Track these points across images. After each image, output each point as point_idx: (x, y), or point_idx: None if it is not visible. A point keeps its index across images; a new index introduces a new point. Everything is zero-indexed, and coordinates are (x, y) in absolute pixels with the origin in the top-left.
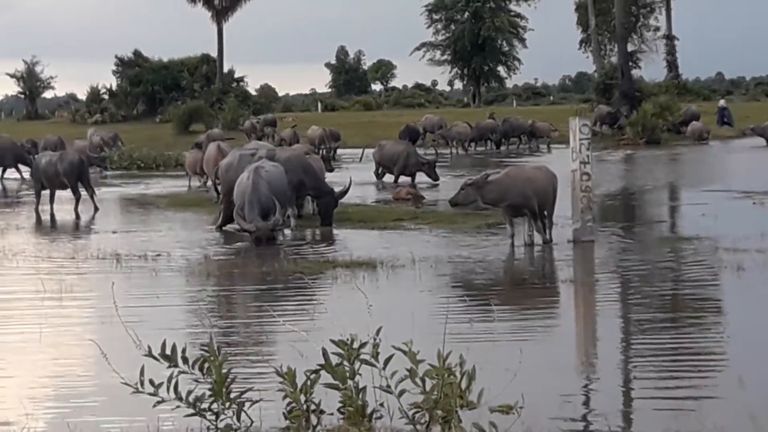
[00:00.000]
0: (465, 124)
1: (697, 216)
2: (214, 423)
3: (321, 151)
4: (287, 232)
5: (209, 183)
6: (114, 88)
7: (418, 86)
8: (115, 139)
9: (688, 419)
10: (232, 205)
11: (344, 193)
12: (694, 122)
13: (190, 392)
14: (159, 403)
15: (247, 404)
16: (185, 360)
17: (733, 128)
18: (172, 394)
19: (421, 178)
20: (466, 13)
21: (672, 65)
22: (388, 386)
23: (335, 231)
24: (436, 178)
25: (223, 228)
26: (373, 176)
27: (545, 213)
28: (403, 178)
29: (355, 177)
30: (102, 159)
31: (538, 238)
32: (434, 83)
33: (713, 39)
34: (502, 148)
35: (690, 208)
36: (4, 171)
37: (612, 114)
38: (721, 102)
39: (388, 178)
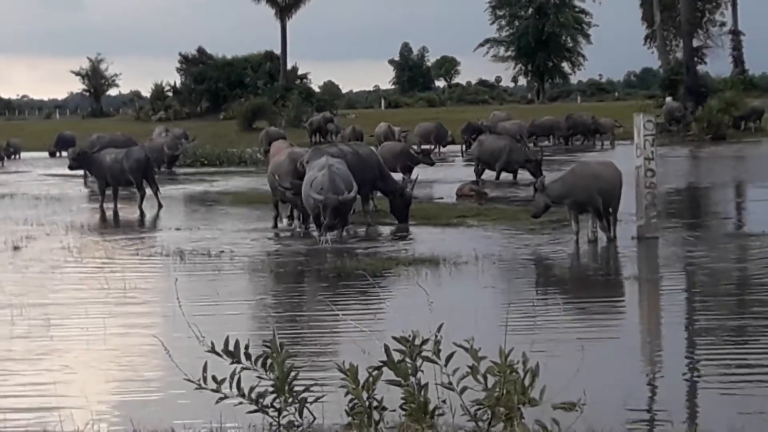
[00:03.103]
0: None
1: (763, 212)
2: (277, 419)
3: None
4: (364, 230)
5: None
6: (178, 85)
7: (482, 82)
8: (185, 136)
9: (754, 417)
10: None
11: (408, 192)
12: None
13: (252, 389)
14: (222, 399)
15: (310, 401)
16: (248, 356)
17: None
18: (235, 391)
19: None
20: (530, 9)
21: (738, 61)
22: (450, 383)
23: (396, 227)
24: (540, 175)
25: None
26: (454, 172)
27: (610, 210)
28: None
29: (448, 173)
30: (176, 156)
31: (602, 235)
32: (498, 79)
33: None
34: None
35: (756, 205)
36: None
37: (677, 109)
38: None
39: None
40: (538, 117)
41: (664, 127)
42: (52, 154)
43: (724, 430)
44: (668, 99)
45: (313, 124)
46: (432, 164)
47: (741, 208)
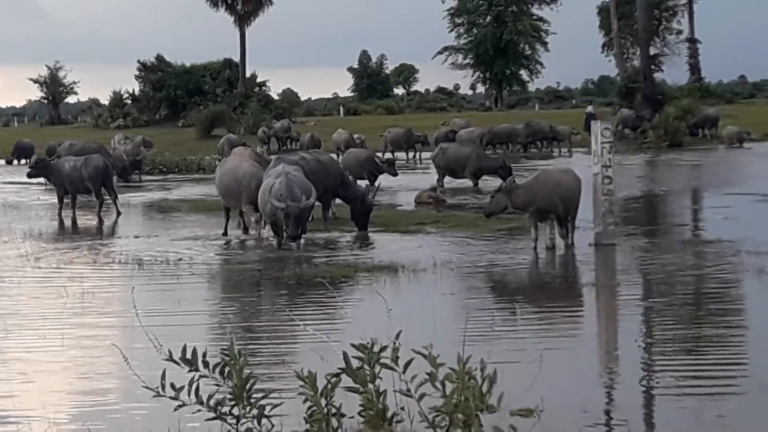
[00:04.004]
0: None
1: (720, 219)
2: (235, 427)
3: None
4: (324, 235)
5: None
6: (137, 93)
7: (441, 90)
8: (145, 143)
9: (711, 421)
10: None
11: (370, 200)
12: (730, 126)
13: (211, 396)
14: (180, 407)
15: (268, 408)
16: (206, 364)
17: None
18: (193, 398)
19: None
20: (489, 17)
21: (695, 68)
22: (409, 390)
23: (355, 235)
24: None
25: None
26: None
27: (569, 217)
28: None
29: (412, 180)
30: (138, 162)
31: (560, 242)
32: (456, 87)
33: (736, 42)
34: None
35: (712, 212)
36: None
37: (635, 118)
38: (589, 108)
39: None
40: (496, 124)
41: (621, 135)
42: (10, 162)
43: None
44: (624, 109)
45: (267, 133)
46: (395, 175)
47: (697, 215)
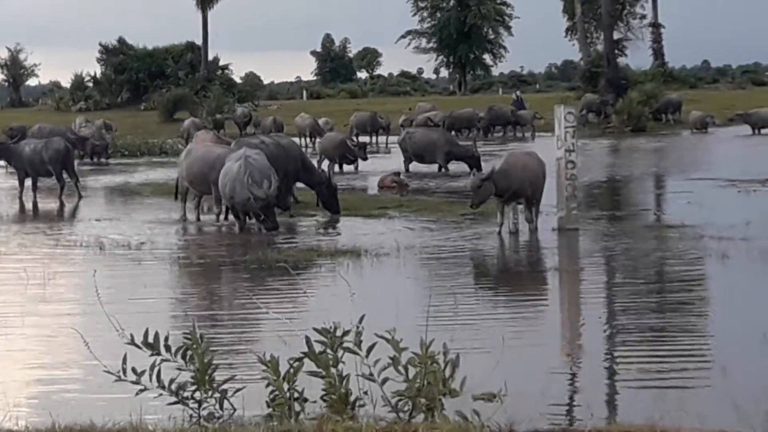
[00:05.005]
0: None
1: (682, 204)
2: (197, 411)
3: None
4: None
5: None
6: (98, 75)
7: (404, 74)
8: (107, 127)
9: (672, 406)
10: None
11: (333, 182)
12: (694, 111)
13: (172, 380)
14: (141, 391)
15: (230, 392)
16: (168, 348)
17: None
18: (155, 383)
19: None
20: (452, 1)
21: (658, 53)
22: (371, 374)
23: (320, 220)
24: (480, 168)
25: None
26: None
27: (534, 200)
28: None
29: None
30: (105, 147)
31: (522, 227)
32: (420, 71)
33: (699, 27)
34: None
35: (675, 197)
36: None
37: (600, 103)
38: (517, 93)
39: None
40: (456, 109)
41: (584, 119)
42: None
43: (643, 420)
44: (588, 94)
45: (222, 117)
46: (365, 159)
47: (660, 199)
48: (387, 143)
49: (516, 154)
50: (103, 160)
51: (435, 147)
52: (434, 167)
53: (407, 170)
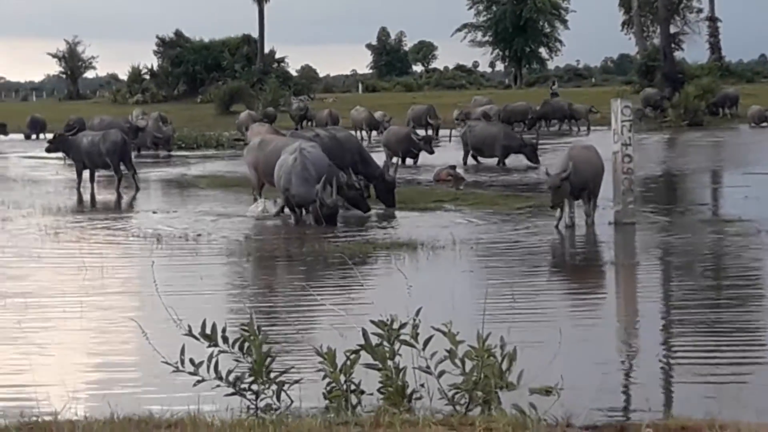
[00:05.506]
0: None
1: (740, 198)
2: (254, 402)
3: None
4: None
5: None
6: (155, 68)
7: (459, 67)
8: (162, 119)
9: (730, 402)
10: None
11: (391, 176)
12: (753, 105)
13: (230, 372)
14: (199, 382)
15: (287, 384)
16: (225, 339)
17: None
18: (212, 374)
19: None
20: None
21: (715, 47)
22: (428, 367)
23: (376, 212)
24: (537, 161)
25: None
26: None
27: (593, 194)
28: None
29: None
30: (167, 139)
31: (578, 221)
32: (475, 64)
33: (757, 21)
34: (543, 130)
35: (732, 191)
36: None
37: (659, 98)
38: (554, 87)
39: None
40: (510, 103)
41: (642, 114)
42: (28, 137)
43: (700, 415)
44: (648, 89)
45: (270, 113)
46: (431, 152)
47: (717, 194)
48: (438, 136)
49: (578, 148)
50: (164, 152)
51: (494, 140)
52: (493, 162)
53: (465, 163)
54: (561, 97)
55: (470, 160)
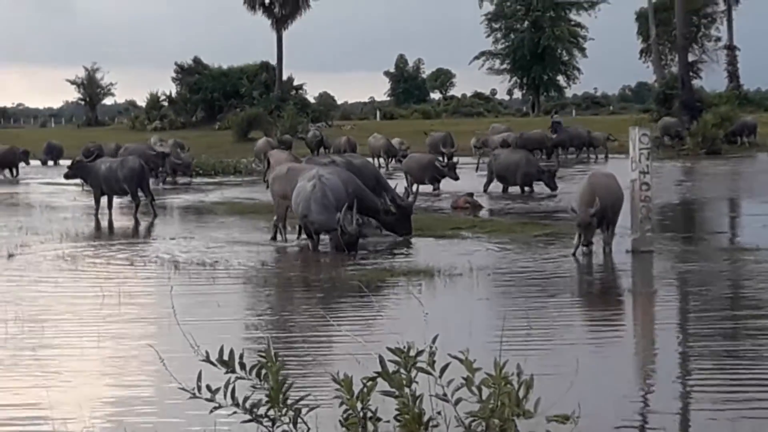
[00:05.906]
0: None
1: (758, 227)
2: (271, 429)
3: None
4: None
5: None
6: (173, 95)
7: (477, 95)
8: (180, 146)
9: (747, 430)
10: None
11: (408, 203)
12: None
13: (246, 398)
14: (216, 408)
15: (304, 411)
16: (242, 366)
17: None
18: (229, 400)
19: (482, 186)
20: (526, 22)
21: (733, 75)
22: (445, 394)
23: (393, 239)
24: (555, 187)
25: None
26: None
27: (611, 223)
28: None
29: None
30: (187, 165)
31: (596, 249)
32: (493, 92)
33: None
34: (561, 157)
35: (750, 219)
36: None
37: (677, 127)
38: (555, 116)
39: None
40: (527, 131)
41: (660, 142)
42: (44, 163)
43: None
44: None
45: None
46: (456, 179)
47: (735, 222)
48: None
49: (598, 176)
50: (185, 179)
51: (516, 168)
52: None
53: (485, 191)
54: (575, 126)
55: (490, 188)
